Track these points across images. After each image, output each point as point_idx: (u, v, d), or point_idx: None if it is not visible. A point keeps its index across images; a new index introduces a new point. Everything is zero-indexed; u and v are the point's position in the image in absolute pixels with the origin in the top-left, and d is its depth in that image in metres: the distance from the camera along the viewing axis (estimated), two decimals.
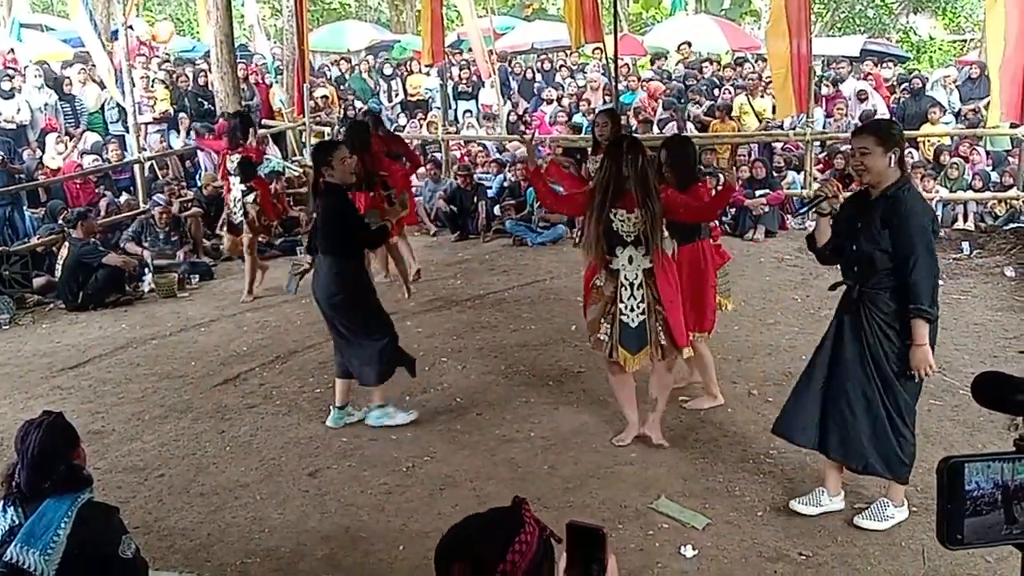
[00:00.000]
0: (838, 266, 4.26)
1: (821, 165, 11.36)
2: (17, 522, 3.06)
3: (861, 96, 12.60)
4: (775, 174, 10.81)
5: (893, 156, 3.86)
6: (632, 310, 4.72)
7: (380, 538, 4.22)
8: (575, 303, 7.53)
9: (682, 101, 13.21)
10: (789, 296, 7.81)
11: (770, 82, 12.14)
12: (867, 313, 3.96)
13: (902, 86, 13.50)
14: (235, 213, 8.38)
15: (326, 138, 11.80)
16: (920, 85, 12.72)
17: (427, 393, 5.92)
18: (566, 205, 5.75)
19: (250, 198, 8.29)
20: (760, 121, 12.23)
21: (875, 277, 3.94)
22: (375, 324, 5.31)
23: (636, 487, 4.59)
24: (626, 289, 4.72)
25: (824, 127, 11.70)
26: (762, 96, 12.55)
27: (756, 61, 16.45)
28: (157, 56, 15.33)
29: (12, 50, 14.21)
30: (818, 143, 11.37)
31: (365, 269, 5.51)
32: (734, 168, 11.11)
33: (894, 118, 12.30)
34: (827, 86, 13.17)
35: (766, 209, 10.01)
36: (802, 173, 10.83)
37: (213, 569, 4.04)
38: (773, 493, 4.49)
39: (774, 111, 12.04)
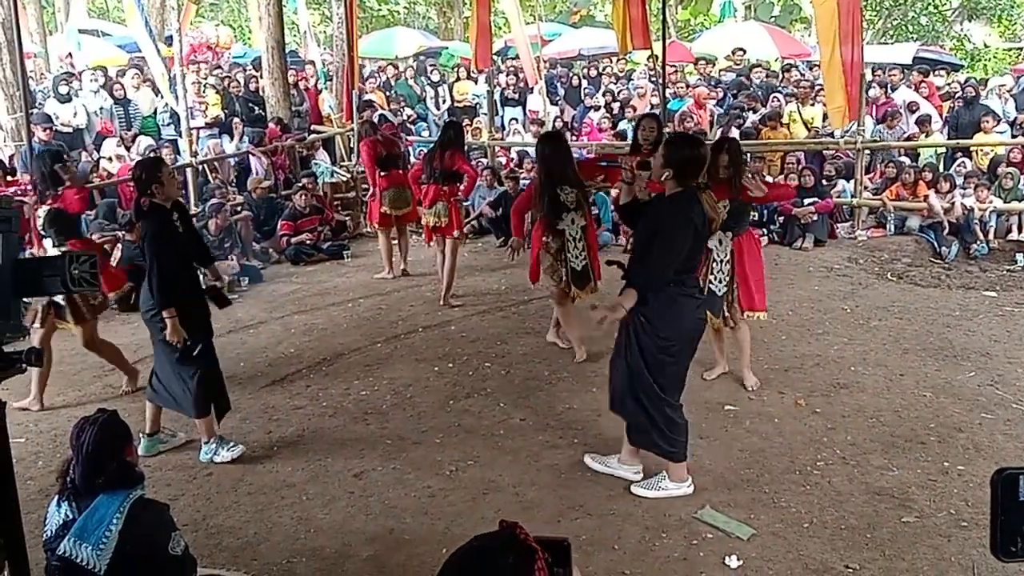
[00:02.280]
0: None
1: (872, 173, 11.22)
2: (71, 517, 3.14)
3: (912, 107, 12.41)
4: (824, 182, 10.68)
5: (669, 173, 4.30)
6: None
7: (424, 541, 4.24)
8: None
9: (733, 109, 13.09)
10: (838, 306, 7.71)
11: (820, 90, 12.01)
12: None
13: (956, 95, 13.27)
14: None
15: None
16: (974, 94, 12.48)
17: (471, 398, 5.94)
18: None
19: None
20: (809, 129, 12.09)
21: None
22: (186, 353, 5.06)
23: (681, 497, 4.56)
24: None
25: (874, 135, 11.53)
26: (812, 104, 12.41)
27: (808, 68, 16.28)
28: (221, 60, 15.59)
29: (70, 54, 14.55)
30: (868, 151, 11.22)
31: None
32: (782, 176, 11.03)
33: (947, 127, 12.13)
34: (875, 88, 12.97)
35: (815, 217, 9.90)
36: (852, 181, 10.68)
37: (259, 568, 4.09)
38: (820, 505, 4.43)
39: (824, 119, 11.91)
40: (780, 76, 15.32)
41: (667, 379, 4.46)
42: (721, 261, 5.76)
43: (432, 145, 8.70)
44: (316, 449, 5.27)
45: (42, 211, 6.01)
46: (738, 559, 3.98)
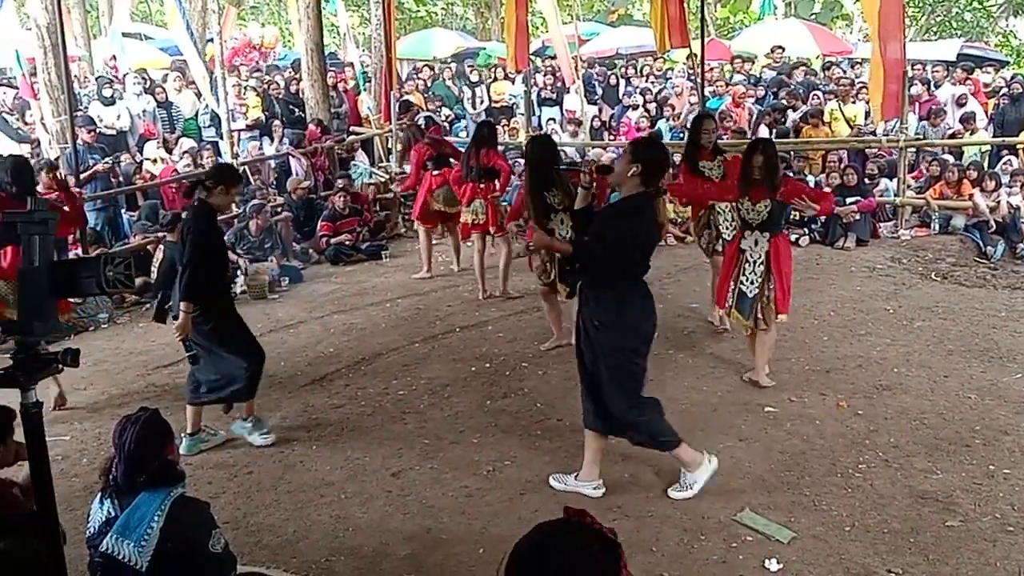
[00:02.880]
0: None
1: (915, 172, 11.05)
2: (113, 514, 3.19)
3: (960, 101, 12.20)
4: (867, 181, 10.54)
5: (637, 169, 4.25)
6: (752, 283, 5.80)
7: (461, 540, 4.24)
8: (658, 309, 7.48)
9: (775, 110, 12.94)
10: (881, 307, 7.60)
11: (862, 87, 11.87)
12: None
13: (1001, 92, 13.02)
14: None
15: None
16: (1020, 90, 12.23)
17: (508, 398, 5.94)
18: (724, 192, 6.26)
19: None
20: (851, 127, 11.94)
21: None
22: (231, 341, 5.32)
23: (720, 498, 4.52)
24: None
25: (918, 132, 11.36)
26: (853, 102, 12.25)
27: (849, 66, 16.08)
28: (268, 60, 15.73)
29: (113, 58, 14.78)
30: (912, 149, 11.05)
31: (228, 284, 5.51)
32: (824, 175, 10.90)
33: (992, 124, 11.91)
34: (917, 85, 12.78)
35: (857, 217, 9.77)
36: (895, 180, 10.53)
37: (298, 566, 4.11)
38: (862, 508, 4.37)
39: (867, 116, 11.76)
40: (820, 74, 15.14)
41: (632, 381, 4.48)
42: (754, 262, 5.79)
43: (467, 145, 8.74)
44: (355, 448, 5.30)
45: None
46: (778, 562, 3.94)
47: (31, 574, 2.57)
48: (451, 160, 9.11)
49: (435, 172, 9.04)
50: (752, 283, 5.80)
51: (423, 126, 10.50)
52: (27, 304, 2.16)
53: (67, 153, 9.17)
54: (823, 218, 9.92)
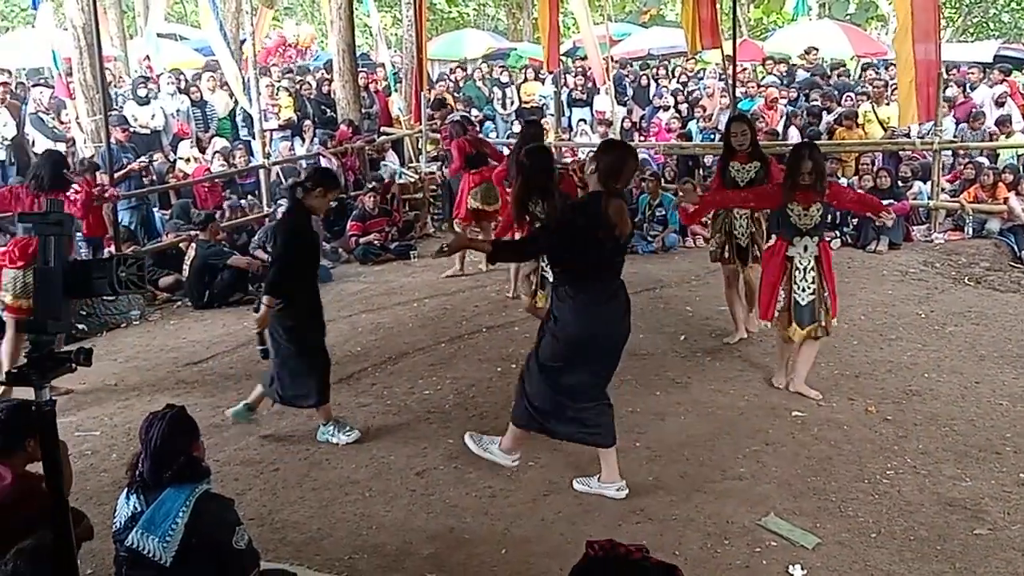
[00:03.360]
0: None
1: (950, 175, 10.90)
2: (139, 509, 3.23)
3: (1000, 100, 12.02)
4: (900, 183, 10.41)
5: (594, 167, 4.33)
6: (804, 290, 5.65)
7: (483, 540, 4.25)
8: (685, 312, 7.47)
9: (809, 114, 12.83)
10: (912, 311, 7.51)
11: (896, 89, 11.72)
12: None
13: None
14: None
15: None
16: None
17: None
18: (764, 199, 6.07)
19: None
20: (884, 129, 11.81)
21: None
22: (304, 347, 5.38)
23: (744, 503, 4.49)
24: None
25: (956, 135, 11.21)
26: (887, 104, 12.12)
27: (883, 67, 15.91)
28: (305, 59, 15.83)
29: (147, 58, 14.96)
30: (948, 152, 10.91)
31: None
32: (856, 177, 10.79)
33: None
34: (953, 87, 12.62)
35: (891, 221, 9.62)
36: (929, 183, 10.40)
37: (322, 563, 4.14)
38: (888, 515, 4.32)
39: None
40: (855, 75, 15.01)
41: (553, 384, 4.48)
42: (804, 268, 5.63)
43: (516, 143, 8.75)
44: (380, 446, 5.32)
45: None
46: (802, 568, 3.90)
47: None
48: (489, 160, 9.16)
49: (473, 171, 9.09)
50: (805, 290, 5.63)
51: (463, 123, 10.52)
52: (42, 304, 2.20)
53: (101, 152, 9.29)
54: (855, 220, 9.83)
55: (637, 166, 4.51)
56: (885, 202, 9.64)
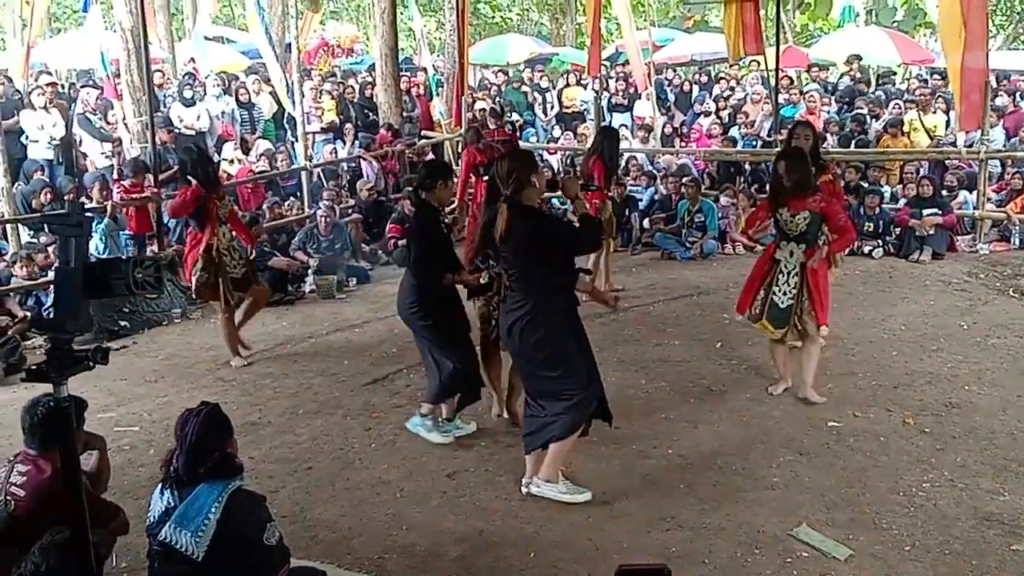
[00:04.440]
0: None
1: (996, 185, 10.71)
2: (173, 504, 3.28)
3: None
4: (944, 193, 10.25)
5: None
6: (784, 293, 5.68)
7: (512, 544, 4.26)
8: (721, 320, 7.42)
9: (852, 120, 12.68)
10: (954, 322, 7.39)
11: (941, 97, 11.56)
12: None
13: None
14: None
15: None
16: None
17: None
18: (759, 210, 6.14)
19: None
20: (931, 138, 11.64)
21: None
22: (450, 342, 5.35)
23: (776, 513, 4.45)
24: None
25: (1006, 146, 11.02)
26: (934, 112, 11.94)
27: (930, 75, 15.67)
28: (347, 59, 15.92)
29: (192, 60, 15.20)
30: (996, 162, 10.73)
31: (449, 286, 5.36)
32: (900, 186, 10.64)
33: None
34: (1003, 96, 12.40)
35: (931, 230, 9.49)
36: (975, 192, 10.22)
37: (352, 562, 4.18)
38: (924, 528, 4.26)
39: (947, 127, 11.46)
40: (903, 83, 14.80)
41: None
42: (788, 272, 5.69)
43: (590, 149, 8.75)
44: (412, 448, 5.36)
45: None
46: None
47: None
48: None
49: (486, 178, 9.03)
50: (785, 294, 5.69)
51: (479, 130, 10.51)
52: (61, 303, 2.26)
53: (147, 152, 9.46)
54: (898, 230, 9.70)
55: (523, 168, 4.46)
56: (928, 212, 9.58)
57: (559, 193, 8.85)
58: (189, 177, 6.68)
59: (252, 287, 7.12)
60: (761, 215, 6.01)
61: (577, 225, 4.61)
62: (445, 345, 5.32)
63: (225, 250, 6.80)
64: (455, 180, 5.59)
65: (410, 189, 5.61)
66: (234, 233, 6.99)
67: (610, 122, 14.73)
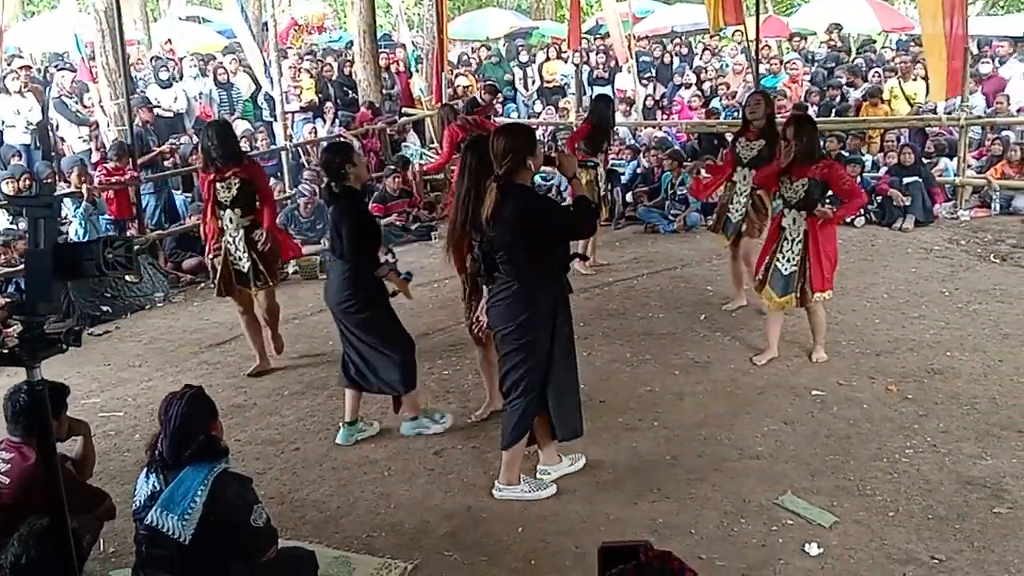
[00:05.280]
0: None
1: (976, 151, 10.74)
2: (158, 488, 3.28)
3: None
4: (925, 160, 10.27)
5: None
6: (788, 260, 5.77)
7: (500, 519, 4.28)
8: (705, 292, 7.45)
9: (830, 87, 12.69)
10: (936, 289, 7.43)
11: (921, 64, 11.57)
12: None
13: None
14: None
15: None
16: None
17: None
18: (763, 177, 6.24)
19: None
20: (911, 106, 11.65)
21: None
22: (387, 335, 5.08)
23: (762, 482, 4.49)
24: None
25: (988, 112, 11.04)
26: (914, 79, 11.95)
27: (912, 42, 15.67)
28: (312, 40, 15.81)
29: (169, 41, 15.03)
30: (978, 128, 10.75)
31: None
32: (881, 154, 10.66)
33: None
34: (987, 62, 12.43)
35: (907, 201, 9.49)
36: (955, 159, 10.25)
37: (340, 541, 4.19)
38: (907, 493, 4.30)
39: (927, 94, 11.46)
40: (886, 50, 14.81)
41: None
42: (792, 240, 5.76)
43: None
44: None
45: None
46: (819, 547, 3.90)
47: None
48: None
49: None
50: (789, 261, 5.77)
51: (455, 107, 10.41)
52: (32, 286, 2.24)
53: (124, 134, 9.36)
54: (879, 199, 9.72)
55: (503, 145, 4.19)
56: (908, 179, 9.60)
57: (548, 170, 8.84)
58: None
59: (254, 288, 6.27)
60: (718, 174, 6.15)
61: (572, 207, 4.38)
62: (386, 337, 5.06)
63: (230, 239, 6.17)
64: (360, 155, 5.27)
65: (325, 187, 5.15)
66: (246, 219, 6.15)
67: (591, 96, 14.68)
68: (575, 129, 8.33)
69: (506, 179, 4.17)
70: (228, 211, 6.11)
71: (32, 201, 2.20)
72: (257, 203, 6.22)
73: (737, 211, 6.78)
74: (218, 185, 6.07)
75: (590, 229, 4.78)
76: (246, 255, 6.17)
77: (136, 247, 2.32)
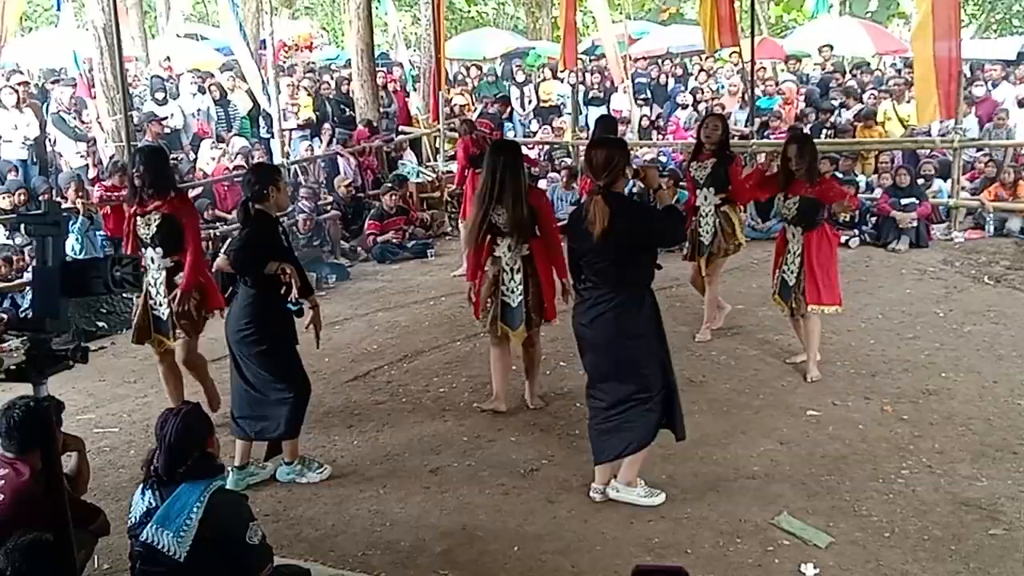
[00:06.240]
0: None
1: (969, 173, 10.81)
2: (154, 504, 3.27)
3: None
4: (920, 182, 10.33)
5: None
6: (791, 273, 5.98)
7: (496, 537, 4.27)
8: (700, 311, 7.43)
9: (821, 110, 12.77)
10: (930, 310, 7.46)
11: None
12: None
13: None
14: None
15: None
16: None
17: (547, 398, 5.94)
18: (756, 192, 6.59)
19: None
20: (905, 127, 11.73)
21: None
22: (284, 372, 4.85)
23: (757, 502, 4.49)
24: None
25: (983, 135, 11.12)
26: (908, 102, 12.03)
27: (904, 65, 15.80)
28: (299, 59, 15.90)
29: (168, 58, 15.08)
30: (973, 150, 10.83)
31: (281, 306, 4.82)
32: (876, 175, 10.71)
33: None
34: (980, 85, 12.54)
35: (913, 223, 9.55)
36: (949, 181, 10.31)
37: (336, 559, 4.17)
38: (903, 514, 4.30)
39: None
40: (874, 72, 14.93)
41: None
42: (794, 253, 5.98)
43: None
44: (394, 444, 5.35)
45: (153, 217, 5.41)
46: (815, 567, 3.90)
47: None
48: None
49: (477, 170, 9.12)
50: (791, 272, 5.98)
51: (472, 121, 10.56)
52: (40, 302, 2.24)
53: (122, 151, 9.37)
54: (875, 219, 9.77)
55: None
56: (906, 200, 9.66)
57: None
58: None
59: (173, 338, 5.58)
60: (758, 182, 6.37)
61: (665, 217, 4.38)
62: (282, 373, 4.83)
63: (151, 280, 5.50)
64: (285, 182, 5.11)
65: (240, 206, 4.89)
66: (169, 259, 5.45)
67: (587, 116, 14.75)
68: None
69: (608, 190, 4.21)
70: (149, 249, 5.43)
71: (40, 219, 2.20)
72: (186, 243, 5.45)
73: (707, 232, 6.79)
74: (138, 219, 5.41)
75: (683, 236, 5.04)
76: (166, 301, 5.46)
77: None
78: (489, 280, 5.52)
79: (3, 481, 3.59)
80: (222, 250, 9.37)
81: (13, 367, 2.26)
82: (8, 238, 9.09)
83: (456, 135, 11.88)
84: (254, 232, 4.79)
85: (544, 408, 5.77)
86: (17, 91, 11.02)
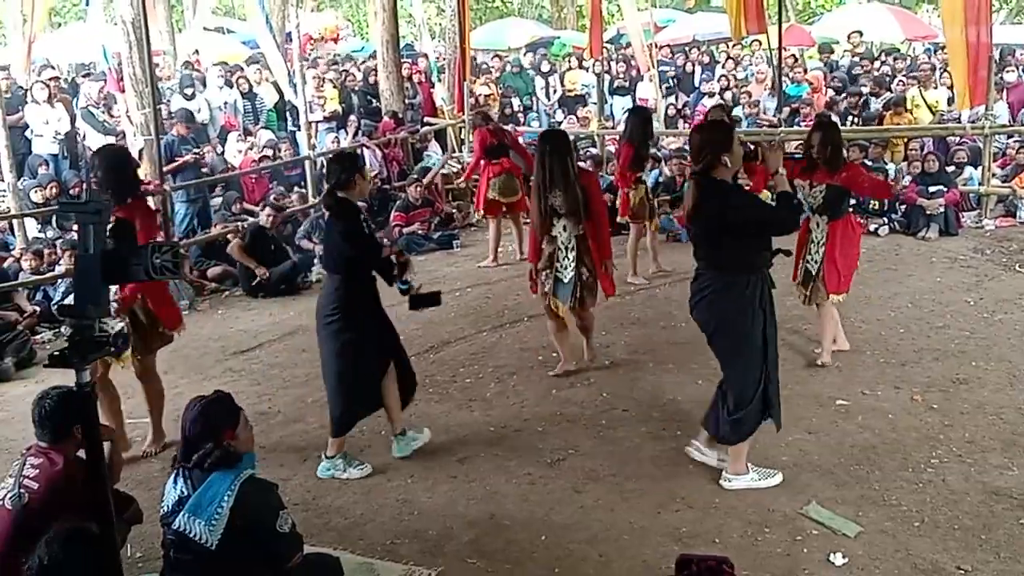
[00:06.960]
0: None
1: (1000, 160, 10.67)
2: (186, 493, 3.31)
3: None
4: (949, 169, 10.21)
5: None
6: (815, 261, 5.92)
7: (523, 527, 4.28)
8: None
9: (851, 95, 12.66)
10: (961, 298, 7.38)
11: (944, 72, 11.51)
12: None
13: None
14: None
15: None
16: None
17: (574, 388, 5.95)
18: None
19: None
20: (933, 114, 11.60)
21: None
22: (356, 367, 4.87)
23: (786, 491, 4.47)
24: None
25: (1010, 120, 10.98)
26: (935, 88, 11.89)
27: (932, 51, 15.61)
28: (324, 51, 15.97)
29: (196, 52, 15.19)
30: (1004, 136, 10.69)
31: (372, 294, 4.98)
32: (905, 163, 10.61)
33: None
34: (1012, 71, 12.37)
35: (941, 209, 9.46)
36: (979, 168, 10.18)
37: (364, 547, 4.21)
38: (932, 504, 4.27)
39: (949, 103, 11.41)
40: (906, 59, 14.76)
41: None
42: (817, 242, 5.95)
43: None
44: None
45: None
46: (843, 556, 3.88)
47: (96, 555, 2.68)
48: (509, 151, 9.19)
49: (493, 161, 9.17)
50: (814, 261, 5.94)
51: (488, 113, 10.61)
52: (81, 289, 2.28)
53: (150, 144, 9.46)
54: (904, 207, 9.68)
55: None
56: (934, 187, 9.56)
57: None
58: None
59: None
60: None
61: (775, 203, 4.34)
62: (351, 368, 4.86)
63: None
64: (368, 170, 5.27)
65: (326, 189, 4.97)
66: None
67: (611, 105, 14.72)
68: (617, 155, 8.41)
69: (703, 174, 4.24)
70: None
71: (82, 207, 2.25)
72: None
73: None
74: None
75: (794, 224, 4.65)
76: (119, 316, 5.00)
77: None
78: (545, 257, 5.86)
79: (38, 471, 3.65)
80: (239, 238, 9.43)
81: (56, 352, 2.31)
82: (40, 231, 9.21)
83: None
84: (354, 219, 4.84)
85: (571, 399, 5.77)
86: (48, 86, 11.15)
